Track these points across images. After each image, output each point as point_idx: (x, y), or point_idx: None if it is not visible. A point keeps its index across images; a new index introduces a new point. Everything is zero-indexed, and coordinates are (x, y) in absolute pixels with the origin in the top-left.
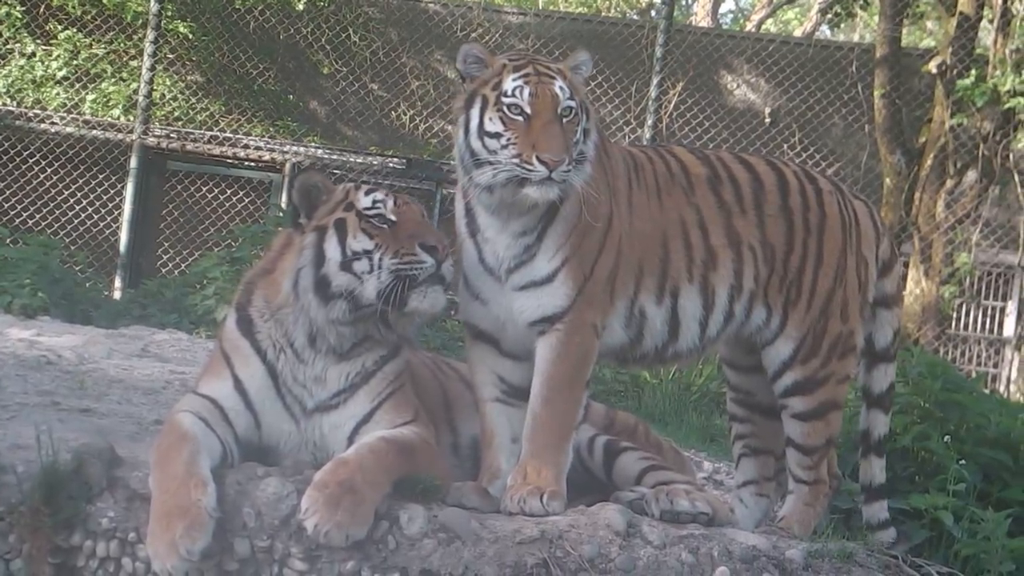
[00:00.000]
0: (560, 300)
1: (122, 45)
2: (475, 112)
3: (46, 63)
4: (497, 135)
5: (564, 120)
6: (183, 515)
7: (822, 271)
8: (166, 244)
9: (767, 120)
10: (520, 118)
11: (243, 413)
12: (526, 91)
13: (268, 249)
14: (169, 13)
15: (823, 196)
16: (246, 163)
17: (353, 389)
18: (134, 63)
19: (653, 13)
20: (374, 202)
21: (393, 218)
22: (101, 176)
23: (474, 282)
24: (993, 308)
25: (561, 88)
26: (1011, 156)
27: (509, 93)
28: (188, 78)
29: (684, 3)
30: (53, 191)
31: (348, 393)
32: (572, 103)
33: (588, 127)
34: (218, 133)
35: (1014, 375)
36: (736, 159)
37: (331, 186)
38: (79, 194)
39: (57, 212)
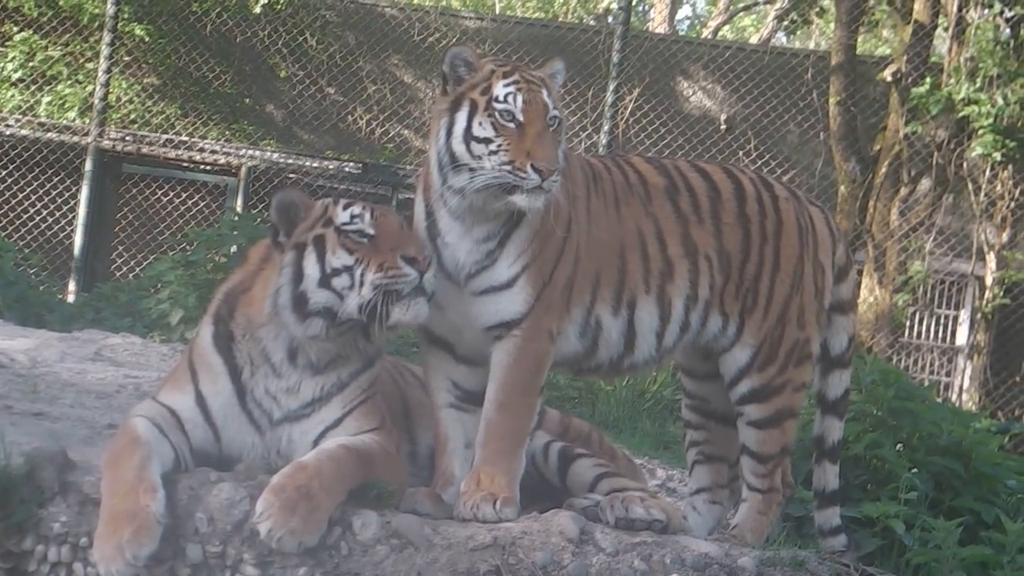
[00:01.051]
0: (519, 306)
1: (78, 47)
2: (462, 116)
3: (1, 65)
4: (487, 140)
5: (551, 129)
6: (131, 520)
7: (779, 278)
8: (121, 247)
9: (723, 127)
10: (512, 125)
11: (201, 426)
12: (519, 98)
13: (245, 262)
14: (126, 15)
15: (779, 203)
16: (202, 166)
17: (327, 399)
18: (90, 65)
19: (610, 19)
20: (352, 216)
21: (372, 231)
22: (56, 179)
23: None
24: (946, 317)
25: (548, 97)
26: (965, 164)
27: (501, 99)
28: (144, 81)
29: (641, 9)
30: (7, 193)
31: (321, 403)
32: (557, 113)
33: (562, 137)
34: (174, 136)
35: (967, 384)
36: (693, 168)
37: (310, 202)
38: (33, 197)
39: (11, 215)
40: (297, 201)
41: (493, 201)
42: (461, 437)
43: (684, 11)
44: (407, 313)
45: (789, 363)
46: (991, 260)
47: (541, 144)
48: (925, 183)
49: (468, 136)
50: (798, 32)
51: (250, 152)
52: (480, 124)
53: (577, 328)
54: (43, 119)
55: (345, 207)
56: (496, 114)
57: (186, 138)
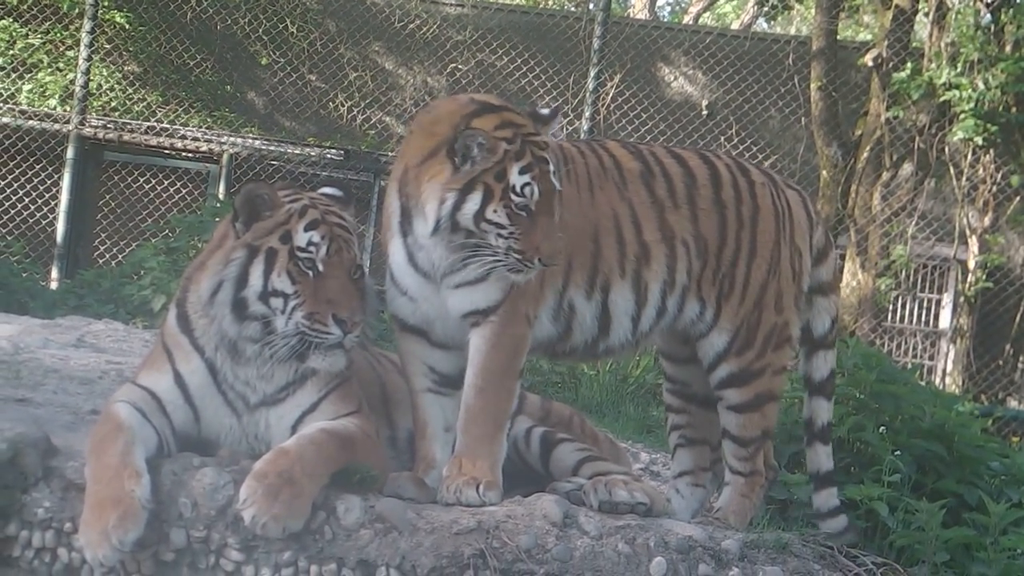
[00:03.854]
0: (495, 294)
1: (59, 35)
2: (475, 197)
3: None
4: (500, 226)
5: (556, 212)
6: (116, 505)
7: (755, 263)
8: (103, 234)
9: (704, 112)
10: (524, 214)
11: (182, 407)
12: (535, 190)
13: (209, 240)
14: (106, 3)
15: (755, 188)
16: (183, 154)
17: (301, 382)
18: (71, 53)
19: (591, 5)
20: (309, 243)
21: (321, 268)
22: (38, 166)
23: (402, 281)
24: (929, 300)
25: (555, 174)
26: (947, 149)
27: (519, 191)
28: (125, 68)
29: None
30: None
31: (296, 386)
32: (559, 185)
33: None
34: (155, 124)
35: (949, 367)
36: (669, 153)
37: (277, 201)
38: (15, 184)
39: None
40: (265, 197)
41: (477, 266)
42: (441, 421)
43: None
44: (323, 361)
45: (767, 347)
46: (973, 244)
47: (549, 237)
48: (907, 168)
49: (480, 218)
50: (779, 18)
51: (231, 139)
52: (495, 211)
53: (550, 312)
54: (24, 107)
55: (307, 228)
56: (513, 206)
57: (167, 125)
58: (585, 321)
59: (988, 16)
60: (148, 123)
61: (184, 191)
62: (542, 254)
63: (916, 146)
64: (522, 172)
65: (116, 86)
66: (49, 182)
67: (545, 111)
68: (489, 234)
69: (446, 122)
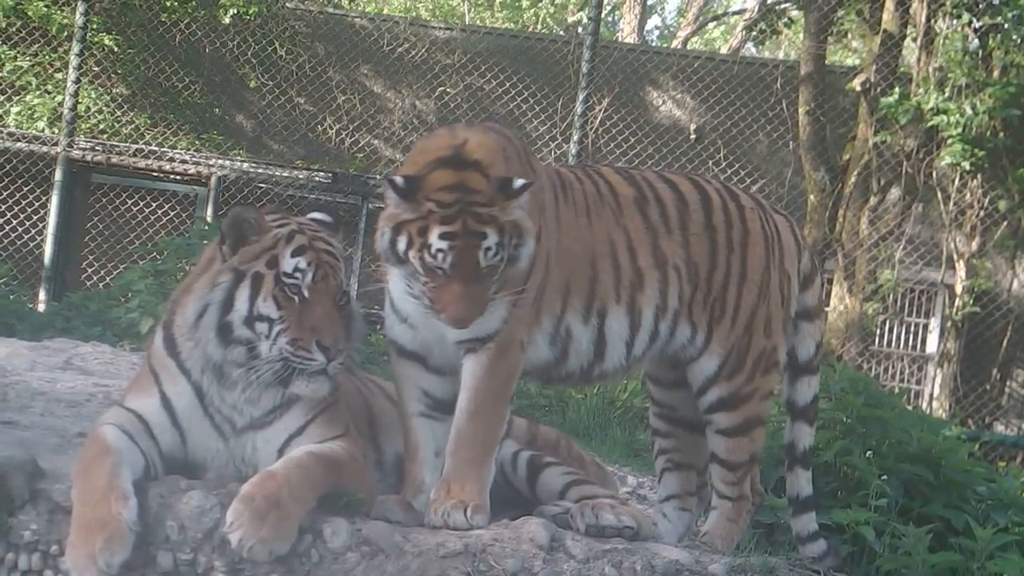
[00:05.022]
0: (493, 323)
1: (47, 57)
2: (403, 240)
3: None
4: (420, 274)
5: (481, 281)
6: (103, 528)
7: (745, 288)
8: (91, 257)
9: (692, 136)
10: (440, 272)
11: (169, 429)
12: (449, 258)
13: (197, 263)
14: (95, 26)
15: (745, 213)
16: (171, 176)
17: (288, 405)
18: (59, 75)
19: (580, 29)
20: (295, 269)
21: (306, 294)
22: (26, 188)
23: (402, 308)
24: (916, 325)
25: (487, 250)
26: (934, 174)
27: (432, 253)
28: (114, 91)
29: (610, 20)
30: None
31: (283, 409)
32: (494, 260)
33: (517, 249)
34: (143, 146)
35: (937, 392)
36: (660, 178)
37: (264, 225)
38: (3, 207)
39: None
40: (252, 221)
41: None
42: (431, 445)
43: (653, 21)
44: (306, 387)
45: (756, 371)
46: (961, 268)
47: (463, 300)
48: (894, 192)
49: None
50: (767, 42)
51: (220, 162)
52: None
53: (547, 336)
54: (12, 129)
55: (294, 253)
56: (426, 268)
57: (156, 148)
58: (581, 346)
59: (976, 41)
60: (136, 145)
61: (172, 213)
62: (447, 314)
63: (904, 171)
64: (442, 237)
65: (104, 108)
66: (37, 204)
67: (518, 183)
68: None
69: (419, 159)
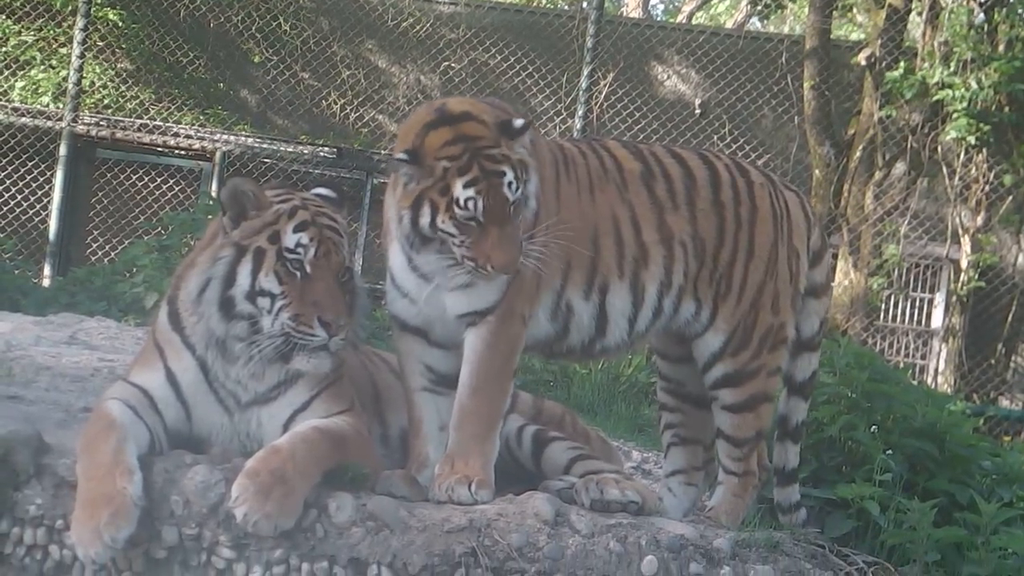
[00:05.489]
0: (492, 295)
1: (51, 32)
2: (426, 211)
3: None
4: (451, 235)
5: (512, 221)
6: (108, 503)
7: (753, 264)
8: (95, 232)
9: (697, 111)
10: (473, 224)
11: (174, 404)
12: (480, 204)
13: (202, 238)
14: (99, 0)
15: (754, 189)
16: (176, 151)
17: (292, 381)
18: (64, 50)
19: (584, 4)
20: (297, 245)
21: (308, 270)
22: (30, 164)
23: (403, 283)
24: (921, 300)
25: (510, 185)
26: (939, 148)
27: (463, 204)
28: (118, 66)
29: None
30: None
31: (287, 385)
32: (518, 195)
33: (526, 186)
34: (148, 121)
35: (941, 367)
36: (669, 153)
37: (263, 200)
38: (8, 182)
39: None
40: (251, 193)
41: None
42: (435, 420)
43: None
44: (308, 363)
45: (763, 348)
46: (966, 243)
47: (502, 245)
48: (899, 167)
49: (434, 228)
50: (772, 17)
51: (224, 137)
52: (443, 222)
53: (548, 311)
54: (17, 104)
55: (296, 229)
56: (458, 217)
57: (160, 123)
58: (582, 321)
59: (981, 15)
60: (141, 121)
61: (177, 189)
62: (493, 262)
63: (909, 145)
64: (466, 186)
65: (109, 83)
66: (42, 179)
67: (518, 123)
68: (446, 245)
69: (409, 132)
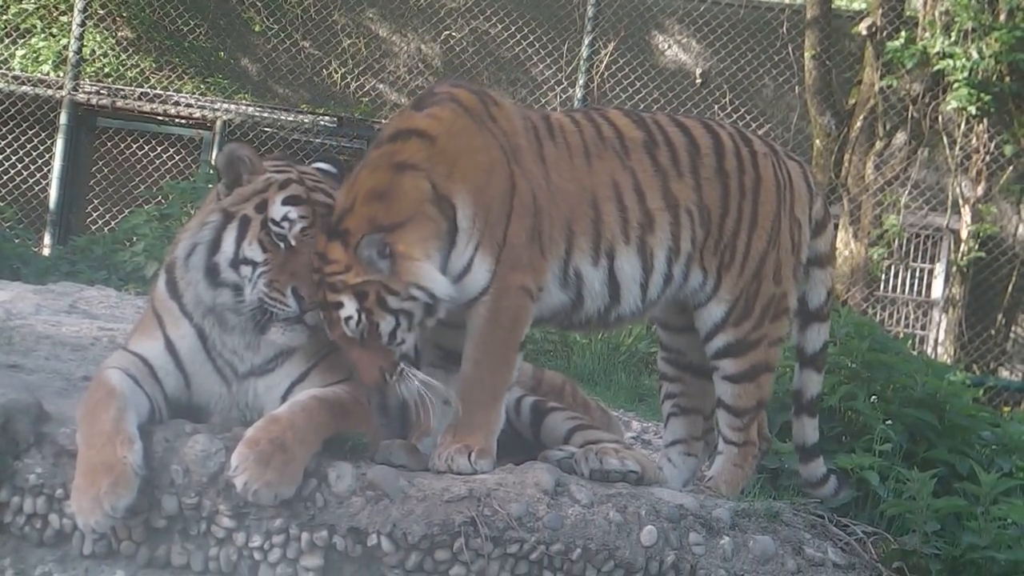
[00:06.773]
0: (481, 280)
1: (52, 0)
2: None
3: None
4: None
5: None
6: (108, 472)
7: (756, 234)
8: (96, 201)
9: (698, 81)
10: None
11: (173, 372)
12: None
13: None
14: None
15: (758, 159)
16: (177, 120)
17: (290, 353)
18: (64, 18)
19: None
20: (283, 218)
21: (293, 243)
22: (31, 132)
23: None
24: (921, 270)
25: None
26: (940, 118)
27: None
28: (119, 34)
29: None
30: None
31: (285, 356)
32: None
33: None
34: (149, 90)
35: (941, 337)
36: (672, 122)
37: (258, 166)
38: (8, 150)
39: None
40: (245, 159)
41: None
42: (440, 392)
43: None
44: (282, 335)
45: (765, 318)
46: (966, 213)
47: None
48: (900, 137)
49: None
50: None
51: (225, 106)
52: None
53: (557, 280)
54: (17, 72)
55: (286, 202)
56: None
57: (161, 92)
58: (594, 288)
59: None
60: (141, 89)
61: (177, 157)
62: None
63: (909, 115)
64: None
65: (110, 52)
66: (42, 148)
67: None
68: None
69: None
